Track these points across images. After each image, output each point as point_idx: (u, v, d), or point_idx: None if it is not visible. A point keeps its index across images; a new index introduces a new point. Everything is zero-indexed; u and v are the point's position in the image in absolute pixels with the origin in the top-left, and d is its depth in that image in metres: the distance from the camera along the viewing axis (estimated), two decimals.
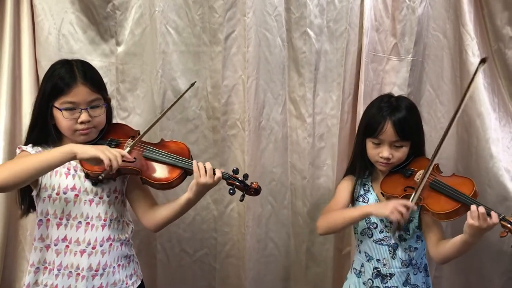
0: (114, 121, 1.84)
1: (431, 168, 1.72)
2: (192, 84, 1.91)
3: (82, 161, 1.60)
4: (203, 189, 1.63)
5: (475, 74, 1.80)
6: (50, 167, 1.49)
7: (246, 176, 1.68)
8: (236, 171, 1.67)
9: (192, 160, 1.67)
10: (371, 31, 2.24)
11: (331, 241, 2.34)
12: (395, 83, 2.26)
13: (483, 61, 1.79)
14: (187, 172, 1.67)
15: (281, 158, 2.25)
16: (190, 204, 1.66)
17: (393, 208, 1.65)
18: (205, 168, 1.60)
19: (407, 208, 1.65)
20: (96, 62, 2.00)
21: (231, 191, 1.66)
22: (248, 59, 2.07)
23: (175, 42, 2.05)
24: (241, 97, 2.12)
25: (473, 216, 1.56)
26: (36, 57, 1.99)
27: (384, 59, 2.28)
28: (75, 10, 1.98)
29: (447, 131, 1.76)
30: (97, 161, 1.49)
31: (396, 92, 2.24)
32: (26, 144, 1.65)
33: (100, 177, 1.57)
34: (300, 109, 2.23)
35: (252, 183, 1.68)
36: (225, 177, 1.65)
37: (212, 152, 2.17)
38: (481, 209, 1.56)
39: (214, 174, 1.62)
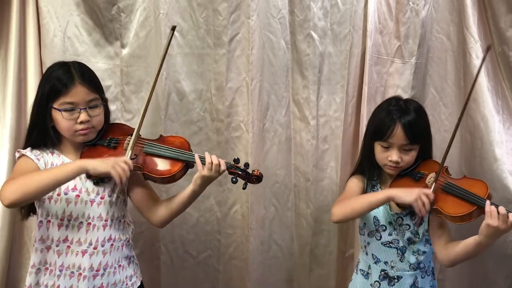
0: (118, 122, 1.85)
1: (442, 170, 1.70)
2: (173, 28, 1.75)
3: None
4: (207, 181, 1.67)
5: (483, 60, 1.80)
6: (60, 184, 1.53)
7: (247, 165, 1.71)
8: (237, 161, 1.70)
9: (192, 152, 1.70)
10: (375, 34, 2.25)
11: (334, 243, 2.35)
12: (399, 86, 2.27)
13: (488, 48, 1.82)
14: (188, 165, 1.70)
15: (284, 160, 2.25)
16: (195, 195, 1.70)
17: (417, 196, 1.64)
18: (212, 163, 1.63)
19: (429, 198, 1.65)
20: (101, 64, 2.02)
21: (234, 179, 1.69)
22: (252, 62, 2.08)
23: (179, 44, 2.05)
24: (245, 99, 2.13)
25: (493, 216, 1.53)
26: (42, 59, 2.00)
27: (388, 62, 2.28)
28: (80, 12, 1.99)
29: (455, 132, 1.76)
30: (108, 176, 1.54)
31: (400, 94, 2.25)
32: (25, 147, 1.66)
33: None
34: (303, 111, 2.24)
35: (253, 170, 1.71)
36: (226, 166, 1.67)
37: (216, 154, 2.15)
38: (502, 210, 1.54)
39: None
